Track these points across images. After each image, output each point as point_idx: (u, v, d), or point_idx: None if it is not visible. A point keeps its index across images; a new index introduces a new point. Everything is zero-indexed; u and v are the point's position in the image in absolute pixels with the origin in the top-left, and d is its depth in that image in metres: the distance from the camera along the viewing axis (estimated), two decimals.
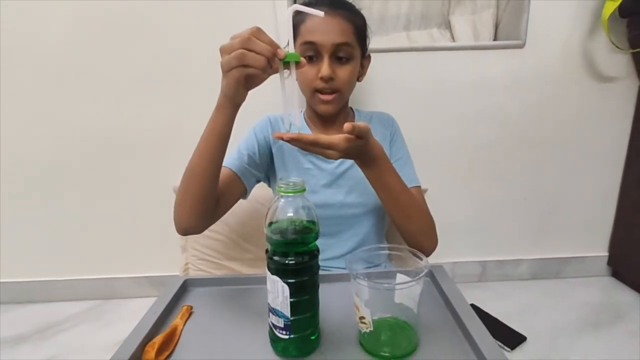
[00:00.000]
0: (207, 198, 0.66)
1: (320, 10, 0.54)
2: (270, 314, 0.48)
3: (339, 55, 0.74)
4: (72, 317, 1.37)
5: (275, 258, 0.47)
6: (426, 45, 1.28)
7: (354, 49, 0.76)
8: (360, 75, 0.84)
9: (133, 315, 0.57)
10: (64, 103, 1.28)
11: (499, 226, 1.47)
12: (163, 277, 1.45)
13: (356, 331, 0.52)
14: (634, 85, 1.33)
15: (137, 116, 1.30)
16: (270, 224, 0.47)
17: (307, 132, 0.83)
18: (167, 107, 1.30)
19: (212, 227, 0.72)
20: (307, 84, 0.76)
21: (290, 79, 0.57)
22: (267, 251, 0.49)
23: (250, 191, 0.79)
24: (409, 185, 0.71)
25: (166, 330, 0.53)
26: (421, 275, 0.47)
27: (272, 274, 0.46)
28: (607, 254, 1.51)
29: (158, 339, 0.50)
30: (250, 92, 0.59)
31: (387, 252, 0.56)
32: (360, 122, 0.57)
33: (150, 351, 0.48)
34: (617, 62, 1.30)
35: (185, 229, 0.68)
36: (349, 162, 0.80)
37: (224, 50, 0.53)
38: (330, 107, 0.77)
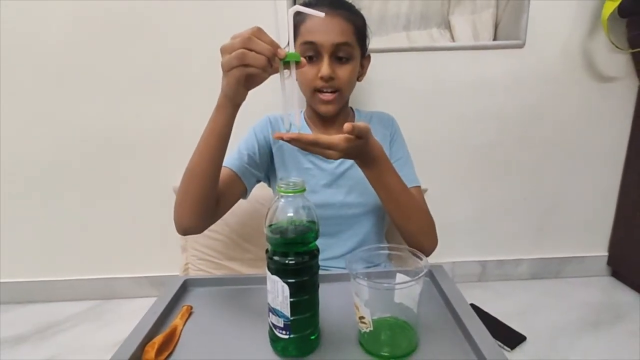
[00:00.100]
0: (207, 198, 0.66)
1: (321, 10, 0.54)
2: (270, 314, 0.48)
3: (338, 55, 0.74)
4: (72, 317, 1.37)
5: (275, 258, 0.47)
6: (426, 45, 1.28)
7: (354, 49, 0.76)
8: (360, 75, 0.84)
9: (133, 315, 0.57)
10: (64, 103, 1.28)
11: (499, 226, 1.47)
12: (163, 277, 1.45)
13: (356, 331, 0.52)
14: (633, 85, 1.33)
15: (137, 116, 1.30)
16: (270, 224, 0.47)
17: (307, 132, 0.83)
18: (167, 107, 1.30)
19: (212, 227, 0.72)
20: (307, 84, 0.76)
21: (291, 79, 0.57)
22: (267, 251, 0.49)
23: (250, 191, 0.79)
24: (409, 185, 0.71)
25: (166, 330, 0.53)
26: (421, 275, 0.47)
27: (272, 274, 0.47)
28: (607, 253, 1.51)
29: (158, 339, 0.50)
30: (250, 92, 0.59)
31: (387, 252, 0.56)
32: (360, 122, 0.57)
33: (150, 351, 0.48)
34: (616, 62, 1.30)
35: (185, 229, 0.68)
36: (349, 162, 0.80)
37: (224, 50, 0.53)
38: (330, 106, 0.77)
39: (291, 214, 0.47)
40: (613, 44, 1.23)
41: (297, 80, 0.78)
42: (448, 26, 1.30)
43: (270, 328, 0.49)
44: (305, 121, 0.86)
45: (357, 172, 0.67)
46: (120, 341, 0.50)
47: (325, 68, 0.72)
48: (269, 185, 0.88)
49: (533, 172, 1.41)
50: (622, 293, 1.42)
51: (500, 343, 1.14)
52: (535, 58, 1.28)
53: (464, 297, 0.58)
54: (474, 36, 1.29)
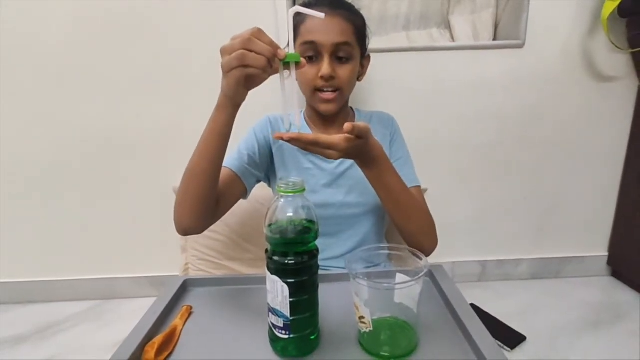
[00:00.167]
0: (207, 198, 0.66)
1: (321, 10, 0.54)
2: (270, 314, 0.48)
3: (339, 55, 0.74)
4: (72, 317, 1.37)
5: (275, 258, 0.47)
6: (426, 45, 1.28)
7: (354, 48, 0.76)
8: (360, 75, 0.84)
9: (133, 315, 0.57)
10: (64, 103, 1.28)
11: (499, 226, 1.47)
12: (163, 277, 1.45)
13: (356, 331, 0.52)
14: (633, 85, 1.33)
15: (137, 116, 1.30)
16: (270, 224, 0.47)
17: (307, 132, 0.83)
18: (167, 107, 1.30)
19: (212, 227, 0.72)
20: (307, 84, 0.76)
21: (290, 79, 0.57)
22: (266, 251, 0.49)
23: (250, 191, 0.79)
24: (409, 185, 0.71)
25: (166, 330, 0.53)
26: (421, 275, 0.47)
27: (272, 273, 0.47)
28: (607, 253, 1.51)
29: (158, 339, 0.50)
30: (250, 93, 0.59)
31: (386, 252, 0.56)
32: (360, 122, 0.57)
33: (150, 351, 0.48)
34: (616, 62, 1.30)
35: (186, 229, 0.68)
36: (349, 162, 0.80)
37: (224, 51, 0.53)
38: (331, 106, 0.77)
39: (291, 214, 0.47)
40: (613, 43, 1.23)
41: (297, 80, 0.78)
42: (448, 26, 1.30)
43: (270, 328, 0.49)
44: (305, 121, 0.86)
45: (357, 172, 0.67)
46: (120, 341, 0.50)
47: (325, 67, 0.72)
48: (269, 185, 0.88)
49: (533, 172, 1.41)
50: (622, 293, 1.42)
51: (500, 343, 1.14)
52: (535, 58, 1.28)
53: (464, 297, 0.58)
54: (474, 36, 1.29)
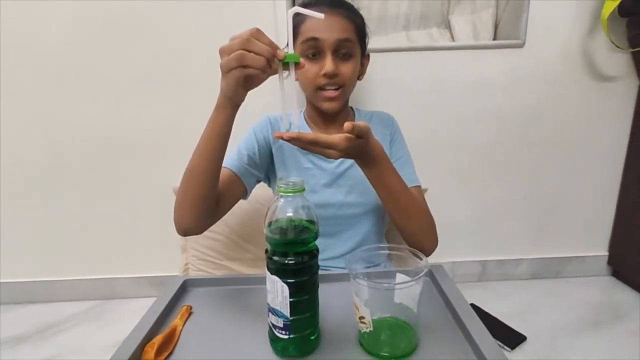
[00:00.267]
0: (207, 198, 0.66)
1: (321, 10, 0.55)
2: (270, 314, 0.48)
3: (341, 52, 0.74)
4: (72, 317, 1.37)
5: (275, 258, 0.47)
6: (426, 45, 1.28)
7: (355, 45, 0.76)
8: (360, 74, 0.84)
9: (133, 315, 0.57)
10: (64, 103, 1.28)
11: (499, 226, 1.47)
12: (163, 277, 1.45)
13: (356, 331, 0.52)
14: (633, 85, 1.33)
15: (137, 116, 1.30)
16: (270, 223, 0.47)
17: (307, 131, 0.83)
18: (167, 107, 1.30)
19: (212, 227, 0.72)
20: (309, 82, 0.76)
21: (290, 79, 0.57)
22: (266, 251, 0.49)
23: (250, 191, 0.79)
24: (409, 185, 0.71)
25: (166, 330, 0.53)
26: (421, 275, 0.47)
27: (272, 273, 0.47)
28: (607, 253, 1.51)
29: (158, 339, 0.50)
30: (249, 93, 0.59)
31: (387, 252, 0.56)
32: (360, 122, 0.57)
33: (150, 351, 0.48)
34: (616, 61, 1.30)
35: (186, 229, 0.68)
36: (349, 161, 0.80)
37: (223, 52, 0.53)
38: (334, 103, 0.77)
39: (291, 214, 0.47)
40: (613, 43, 1.23)
41: (298, 79, 0.78)
42: (448, 26, 1.30)
43: (270, 328, 0.49)
44: (305, 120, 0.86)
45: (357, 171, 0.67)
46: (120, 341, 0.50)
47: (329, 64, 0.72)
48: (269, 185, 0.88)
49: (533, 172, 1.41)
50: (622, 293, 1.42)
51: (500, 343, 1.14)
52: (535, 58, 1.28)
53: (464, 297, 0.58)
54: (474, 36, 1.29)
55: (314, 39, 0.72)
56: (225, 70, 0.54)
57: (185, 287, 0.66)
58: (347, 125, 0.54)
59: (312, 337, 0.50)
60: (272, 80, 0.58)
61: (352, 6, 0.79)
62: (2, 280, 1.44)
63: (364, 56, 0.83)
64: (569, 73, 1.31)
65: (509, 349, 1.13)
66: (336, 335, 0.53)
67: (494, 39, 1.30)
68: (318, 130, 0.84)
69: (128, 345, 0.49)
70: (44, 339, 1.26)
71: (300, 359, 0.49)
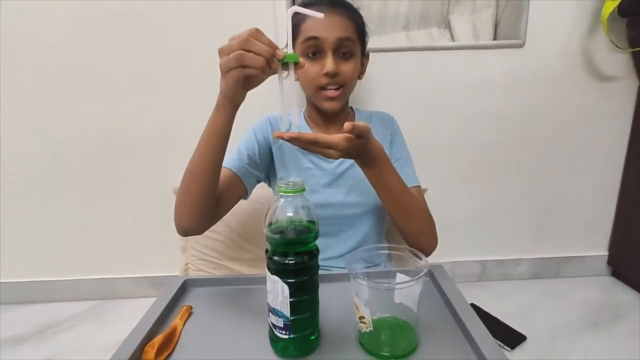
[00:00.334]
0: (207, 198, 0.66)
1: (321, 9, 0.55)
2: (270, 314, 0.48)
3: (341, 51, 0.74)
4: (72, 317, 1.37)
5: (275, 258, 0.47)
6: (425, 45, 1.28)
7: (356, 44, 0.76)
8: (360, 74, 0.84)
9: (133, 315, 0.57)
10: (64, 103, 1.28)
11: (499, 226, 1.47)
12: (163, 277, 1.45)
13: (356, 331, 0.52)
14: (633, 85, 1.33)
15: (137, 116, 1.30)
16: (270, 223, 0.47)
17: (307, 131, 0.83)
18: (167, 107, 1.30)
19: (212, 227, 0.72)
20: (310, 82, 0.76)
21: (289, 79, 0.57)
22: (266, 251, 0.49)
23: (250, 192, 0.79)
24: (409, 185, 0.71)
25: (166, 330, 0.53)
26: (421, 274, 0.47)
27: (272, 273, 0.47)
28: (607, 253, 1.51)
29: (158, 339, 0.50)
30: (249, 93, 0.59)
31: (386, 251, 0.56)
32: (360, 122, 0.57)
33: (150, 351, 0.48)
34: (616, 61, 1.30)
35: (186, 229, 0.68)
36: (349, 161, 0.80)
37: (222, 52, 0.53)
38: (335, 103, 0.77)
39: (291, 214, 0.47)
40: (613, 43, 1.23)
41: (299, 79, 0.78)
42: (448, 26, 1.30)
43: (270, 328, 0.49)
44: (305, 120, 0.86)
45: (357, 171, 0.67)
46: (120, 341, 0.50)
47: (330, 63, 0.72)
48: (269, 186, 0.88)
49: (533, 172, 1.41)
50: (622, 293, 1.42)
51: (500, 343, 1.14)
52: (535, 58, 1.28)
53: (464, 297, 0.58)
54: (474, 36, 1.29)
55: (315, 38, 0.72)
56: (225, 71, 0.54)
57: (185, 287, 0.66)
58: (347, 125, 0.54)
59: (312, 337, 0.50)
60: (272, 81, 0.58)
61: (352, 6, 0.79)
62: (2, 280, 1.44)
63: (364, 55, 0.83)
64: (569, 73, 1.31)
65: (509, 349, 1.13)
66: (336, 335, 0.53)
67: (494, 39, 1.30)
68: (318, 130, 0.84)
69: (128, 345, 0.49)
70: (44, 339, 1.26)
71: (300, 359, 0.49)
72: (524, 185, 1.43)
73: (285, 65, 0.55)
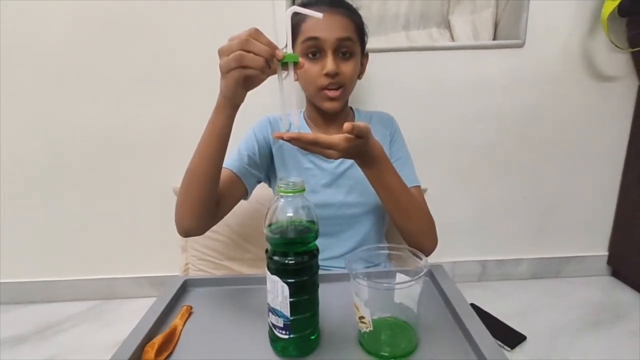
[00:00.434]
0: (207, 199, 0.66)
1: (321, 9, 0.55)
2: (270, 314, 0.48)
3: (341, 51, 0.74)
4: (72, 317, 1.37)
5: (275, 258, 0.47)
6: (425, 45, 1.28)
7: (356, 44, 0.76)
8: (360, 73, 0.84)
9: (133, 315, 0.57)
10: (64, 103, 1.28)
11: (499, 226, 1.47)
12: (163, 277, 1.45)
13: (356, 331, 0.52)
14: (633, 85, 1.33)
15: (137, 116, 1.30)
16: (270, 223, 0.47)
17: (306, 131, 0.83)
18: (167, 107, 1.30)
19: (212, 227, 0.72)
20: (311, 82, 0.76)
21: (289, 79, 0.57)
22: (266, 251, 0.49)
23: (251, 192, 0.79)
24: (409, 185, 0.71)
25: (166, 330, 0.53)
26: (421, 274, 0.47)
27: (272, 273, 0.47)
28: (607, 253, 1.51)
29: (158, 339, 0.50)
30: (249, 93, 0.59)
31: (386, 251, 0.56)
32: (360, 122, 0.57)
33: (150, 351, 0.48)
34: (616, 61, 1.30)
35: (186, 230, 0.68)
36: (349, 161, 0.80)
37: (222, 52, 0.53)
38: (336, 103, 0.77)
39: (291, 214, 0.47)
40: (613, 43, 1.23)
41: (299, 79, 0.78)
42: (448, 26, 1.30)
43: (270, 328, 0.49)
44: (305, 121, 0.86)
45: (357, 171, 0.67)
46: (120, 341, 0.50)
47: (330, 64, 0.72)
48: (269, 186, 0.88)
49: (533, 172, 1.41)
50: (622, 293, 1.42)
51: (500, 343, 1.14)
52: (535, 58, 1.28)
53: (464, 297, 0.58)
54: (474, 36, 1.29)
55: (315, 38, 0.72)
56: (225, 71, 0.54)
57: (185, 287, 0.66)
58: (346, 125, 0.54)
59: (312, 337, 0.50)
60: (272, 81, 0.58)
61: (351, 6, 0.79)
62: (2, 280, 1.44)
63: (363, 55, 0.83)
64: (569, 73, 1.31)
65: (509, 349, 1.13)
66: (336, 335, 0.53)
67: (494, 39, 1.30)
68: (318, 130, 0.84)
69: (128, 345, 0.49)
70: (44, 339, 1.26)
71: (300, 359, 0.49)
72: (524, 185, 1.43)
73: (284, 66, 0.55)
